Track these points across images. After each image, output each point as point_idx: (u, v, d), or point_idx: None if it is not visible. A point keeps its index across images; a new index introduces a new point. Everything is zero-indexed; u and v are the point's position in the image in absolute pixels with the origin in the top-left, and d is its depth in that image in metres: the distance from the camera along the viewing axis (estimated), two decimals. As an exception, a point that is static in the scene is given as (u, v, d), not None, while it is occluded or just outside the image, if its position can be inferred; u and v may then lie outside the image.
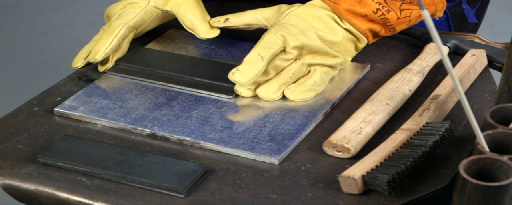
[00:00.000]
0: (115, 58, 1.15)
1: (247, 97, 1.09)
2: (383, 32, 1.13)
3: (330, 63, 1.10)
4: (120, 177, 0.95)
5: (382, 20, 1.11)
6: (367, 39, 1.13)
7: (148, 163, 0.96)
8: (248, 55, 1.07)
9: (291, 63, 1.09)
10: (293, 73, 1.08)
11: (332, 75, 1.12)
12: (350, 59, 1.14)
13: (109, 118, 1.05)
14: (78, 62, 1.16)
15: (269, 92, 1.08)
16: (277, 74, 1.09)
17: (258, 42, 1.08)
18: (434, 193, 0.94)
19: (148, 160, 0.97)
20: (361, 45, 1.14)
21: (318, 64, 1.10)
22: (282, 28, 1.08)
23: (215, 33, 1.17)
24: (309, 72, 1.10)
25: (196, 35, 1.17)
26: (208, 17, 1.18)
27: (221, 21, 1.17)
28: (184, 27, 1.18)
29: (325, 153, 1.00)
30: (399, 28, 1.14)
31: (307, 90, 1.08)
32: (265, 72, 1.08)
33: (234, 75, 1.06)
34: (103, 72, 1.15)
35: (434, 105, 1.04)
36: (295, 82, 1.09)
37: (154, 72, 1.14)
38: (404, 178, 0.92)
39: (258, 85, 1.09)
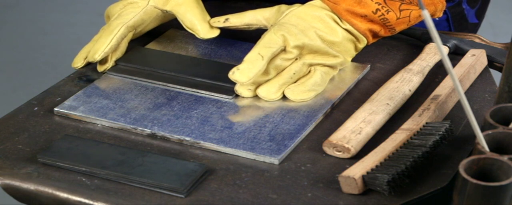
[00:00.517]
0: (114, 58, 1.15)
1: (247, 97, 1.09)
2: (382, 32, 1.13)
3: (331, 63, 1.10)
4: (120, 177, 0.95)
5: (382, 20, 1.11)
6: (367, 39, 1.13)
7: (148, 163, 0.96)
8: (248, 54, 1.07)
9: (292, 63, 1.09)
10: (294, 73, 1.08)
11: (332, 75, 1.12)
12: (350, 59, 1.14)
13: (109, 118, 1.05)
14: (78, 62, 1.16)
15: (270, 92, 1.08)
16: (277, 74, 1.09)
17: (258, 42, 1.08)
18: (434, 193, 0.94)
19: (148, 160, 0.97)
20: (361, 45, 1.14)
21: (318, 64, 1.10)
22: (282, 27, 1.08)
23: (215, 33, 1.17)
24: (309, 72, 1.10)
25: (196, 35, 1.17)
26: (208, 17, 1.18)
27: (221, 21, 1.17)
28: (184, 27, 1.18)
29: (325, 153, 1.00)
30: (398, 28, 1.14)
31: (308, 90, 1.08)
32: (266, 72, 1.08)
33: (234, 74, 1.06)
34: (103, 72, 1.15)
35: (434, 105, 1.04)
36: (295, 82, 1.09)
37: (154, 72, 1.14)
38: (404, 178, 0.92)
39: (258, 85, 1.09)
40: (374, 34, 1.13)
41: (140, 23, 1.17)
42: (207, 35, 1.17)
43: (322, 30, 1.10)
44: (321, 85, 1.10)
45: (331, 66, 1.11)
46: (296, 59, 1.09)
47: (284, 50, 1.08)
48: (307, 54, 1.09)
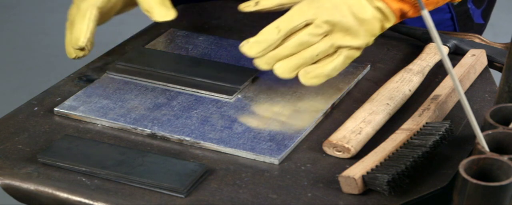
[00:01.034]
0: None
1: (265, 70, 1.05)
2: (411, 13, 1.09)
3: (358, 45, 1.05)
4: (120, 177, 0.95)
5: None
6: (395, 19, 1.09)
7: (148, 163, 0.96)
8: (267, 26, 1.03)
9: (320, 40, 1.05)
10: (317, 54, 1.04)
11: (355, 58, 1.07)
12: (373, 40, 1.09)
13: (109, 118, 1.05)
14: (72, 53, 1.14)
15: (285, 70, 1.05)
16: (300, 51, 1.05)
17: (285, 13, 1.04)
18: (434, 193, 0.94)
19: (148, 160, 0.97)
20: (387, 25, 1.08)
21: (346, 46, 1.05)
22: (315, 1, 1.05)
23: (171, 16, 1.14)
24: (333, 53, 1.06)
25: (151, 19, 1.14)
26: (167, 0, 1.16)
27: (251, 5, 1.13)
28: (142, 10, 1.15)
29: (325, 153, 1.00)
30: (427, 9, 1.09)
31: (324, 75, 1.05)
32: (288, 45, 1.04)
33: (243, 47, 1.03)
34: (75, 59, 1.12)
35: (434, 105, 1.04)
36: (315, 62, 1.05)
37: (154, 72, 1.14)
38: (404, 178, 0.92)
39: (278, 58, 1.05)
40: (402, 15, 1.09)
41: (106, 3, 1.15)
42: (162, 18, 1.13)
43: (354, 6, 1.05)
44: (339, 70, 1.06)
45: (357, 48, 1.06)
46: (325, 36, 1.05)
47: (311, 24, 1.04)
48: (337, 33, 1.05)
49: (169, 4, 1.14)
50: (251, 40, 1.03)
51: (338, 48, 1.05)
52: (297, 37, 1.04)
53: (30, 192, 0.95)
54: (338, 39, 1.05)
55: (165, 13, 1.13)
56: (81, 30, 1.11)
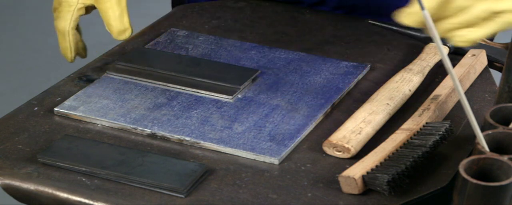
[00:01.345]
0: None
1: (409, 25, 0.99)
2: None
3: None
4: (120, 177, 0.95)
5: None
6: None
7: (148, 163, 0.96)
8: None
9: (475, 3, 0.98)
10: (474, 18, 0.97)
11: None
12: None
13: (109, 118, 1.05)
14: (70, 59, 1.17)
15: (443, 31, 0.98)
16: (458, 12, 0.98)
17: None
18: (434, 193, 0.94)
19: (148, 160, 0.97)
20: None
21: (503, 11, 0.97)
22: None
23: (126, 35, 1.15)
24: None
25: (111, 35, 1.16)
26: (126, 18, 1.16)
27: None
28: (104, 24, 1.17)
29: (325, 153, 1.00)
30: None
31: (474, 40, 0.98)
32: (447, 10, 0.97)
33: (401, 16, 0.96)
34: (82, 60, 1.15)
35: (434, 105, 1.04)
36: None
37: (154, 72, 1.14)
38: (404, 178, 0.92)
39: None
40: None
41: (79, 19, 1.17)
42: (117, 37, 1.15)
43: None
44: (491, 34, 0.99)
45: None
46: None
47: None
48: None
49: (127, 23, 1.15)
50: (408, 10, 0.96)
51: (493, 13, 0.98)
52: (454, 2, 0.97)
53: (30, 192, 0.95)
54: (493, 2, 0.97)
55: (122, 31, 1.15)
56: (66, 50, 1.16)
